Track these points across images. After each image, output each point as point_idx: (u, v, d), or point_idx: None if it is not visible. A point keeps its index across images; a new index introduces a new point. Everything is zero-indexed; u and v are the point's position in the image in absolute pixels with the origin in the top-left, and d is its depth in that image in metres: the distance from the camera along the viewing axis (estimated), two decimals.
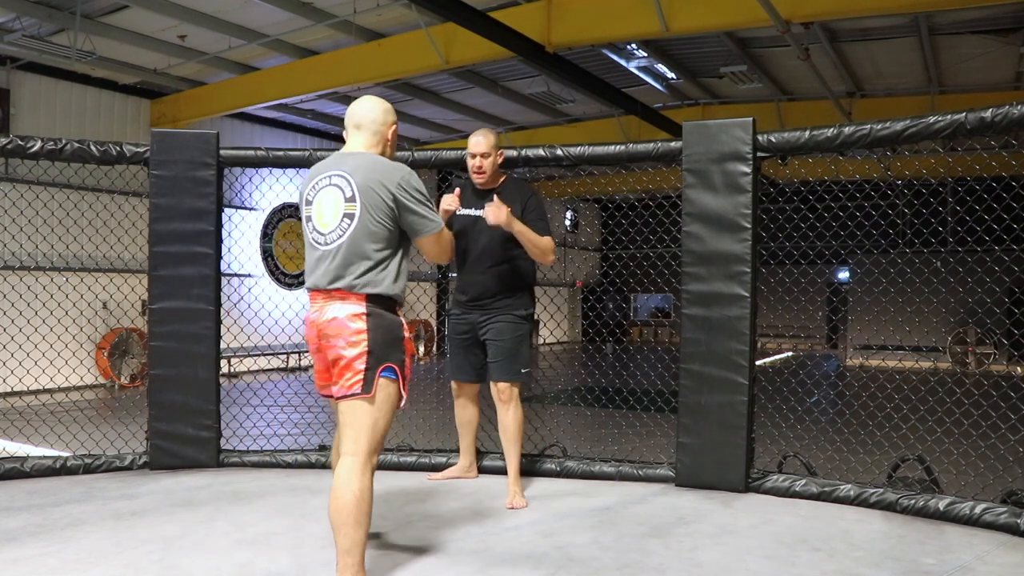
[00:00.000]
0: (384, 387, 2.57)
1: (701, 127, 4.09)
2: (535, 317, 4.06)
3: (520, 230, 3.67)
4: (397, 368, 2.60)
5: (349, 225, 2.59)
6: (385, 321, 2.60)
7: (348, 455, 2.54)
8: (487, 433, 4.53)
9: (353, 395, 2.54)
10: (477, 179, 3.88)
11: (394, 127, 2.80)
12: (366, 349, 2.54)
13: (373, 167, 2.64)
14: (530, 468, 4.31)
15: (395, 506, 3.66)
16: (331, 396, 2.68)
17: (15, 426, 5.82)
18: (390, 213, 2.62)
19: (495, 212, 3.59)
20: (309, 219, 2.68)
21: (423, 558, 2.96)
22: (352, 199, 2.59)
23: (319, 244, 2.65)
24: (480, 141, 3.83)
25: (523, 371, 3.88)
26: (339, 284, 2.59)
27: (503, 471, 4.30)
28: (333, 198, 2.62)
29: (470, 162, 3.87)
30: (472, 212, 3.85)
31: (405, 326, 2.67)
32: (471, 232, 3.88)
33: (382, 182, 2.60)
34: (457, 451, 4.50)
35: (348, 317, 2.55)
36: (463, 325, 3.98)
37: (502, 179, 3.96)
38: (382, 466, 4.41)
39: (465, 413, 4.14)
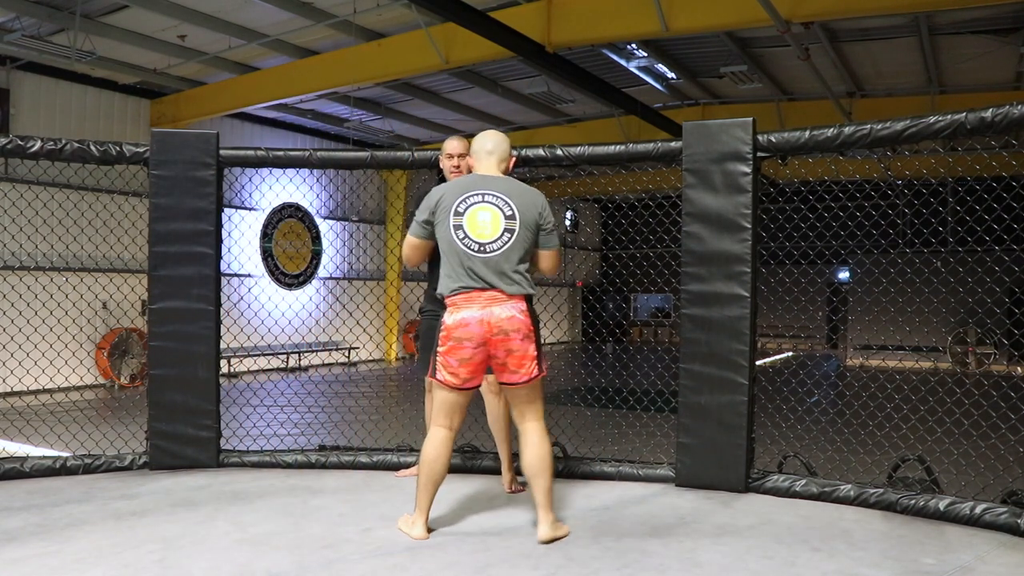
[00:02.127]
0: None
1: (701, 127, 4.08)
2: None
3: None
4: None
5: (509, 238, 3.14)
6: (534, 316, 3.22)
7: (535, 421, 3.22)
8: (484, 434, 4.52)
9: (533, 377, 3.16)
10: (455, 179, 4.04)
11: (515, 157, 3.50)
12: (533, 340, 3.15)
13: (525, 192, 3.24)
14: None
15: (395, 505, 3.66)
16: (467, 388, 3.17)
17: (15, 426, 5.82)
18: (535, 231, 3.22)
19: None
20: (459, 227, 3.15)
21: (422, 558, 2.96)
22: (512, 217, 3.16)
23: (475, 252, 3.13)
24: (457, 144, 4.00)
25: None
26: (503, 287, 3.11)
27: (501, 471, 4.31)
28: (491, 214, 3.15)
29: (447, 163, 4.01)
30: None
31: None
32: None
33: (534, 205, 3.22)
34: (456, 450, 4.50)
35: (520, 314, 3.13)
36: (434, 323, 4.09)
37: None
38: (382, 466, 4.43)
39: None
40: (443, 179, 4.10)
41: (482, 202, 3.17)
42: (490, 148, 3.32)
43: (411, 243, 3.33)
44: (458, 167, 4.01)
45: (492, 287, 3.11)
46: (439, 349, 3.17)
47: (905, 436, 4.62)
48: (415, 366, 4.28)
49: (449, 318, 3.15)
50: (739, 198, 3.91)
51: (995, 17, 8.68)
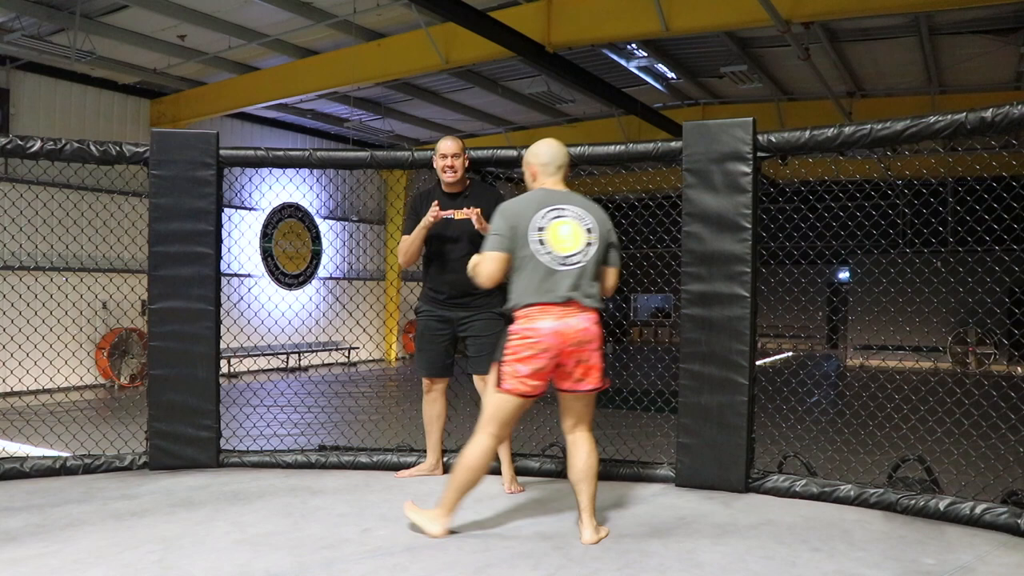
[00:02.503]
0: None
1: (701, 127, 4.08)
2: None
3: None
4: None
5: (587, 252, 3.19)
6: (602, 329, 3.28)
7: (588, 430, 3.30)
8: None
9: (598, 388, 3.24)
10: (448, 179, 4.05)
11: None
12: (601, 352, 3.23)
13: (596, 207, 3.32)
14: (531, 468, 4.31)
15: (394, 506, 3.66)
16: (533, 396, 3.18)
17: (15, 426, 5.82)
18: (607, 246, 3.29)
19: None
20: (542, 241, 3.17)
21: (422, 558, 2.96)
22: (592, 231, 3.21)
23: (556, 264, 3.15)
24: (451, 144, 4.05)
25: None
26: (581, 299, 3.16)
27: (501, 471, 4.31)
28: (571, 228, 3.20)
29: (440, 163, 4.06)
30: (444, 215, 3.97)
31: None
32: (445, 235, 4.04)
33: (606, 221, 3.31)
34: (456, 451, 4.49)
35: (594, 326, 3.19)
36: (439, 323, 4.13)
37: (467, 182, 4.17)
38: (382, 466, 4.43)
39: (435, 408, 4.25)
40: (436, 185, 4.17)
41: (562, 216, 3.21)
42: (561, 162, 3.36)
43: (496, 258, 3.19)
44: (452, 167, 4.04)
45: (571, 300, 3.14)
46: (508, 358, 3.14)
47: (905, 436, 4.61)
48: (415, 367, 4.32)
49: (523, 328, 3.14)
50: (739, 198, 3.91)
51: (995, 17, 8.67)
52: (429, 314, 4.16)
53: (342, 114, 13.27)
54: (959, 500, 3.47)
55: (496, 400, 3.19)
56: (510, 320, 3.21)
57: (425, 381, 4.24)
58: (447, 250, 4.06)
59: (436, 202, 3.93)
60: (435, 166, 4.13)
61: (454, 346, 4.19)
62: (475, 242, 3.86)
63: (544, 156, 3.35)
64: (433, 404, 4.26)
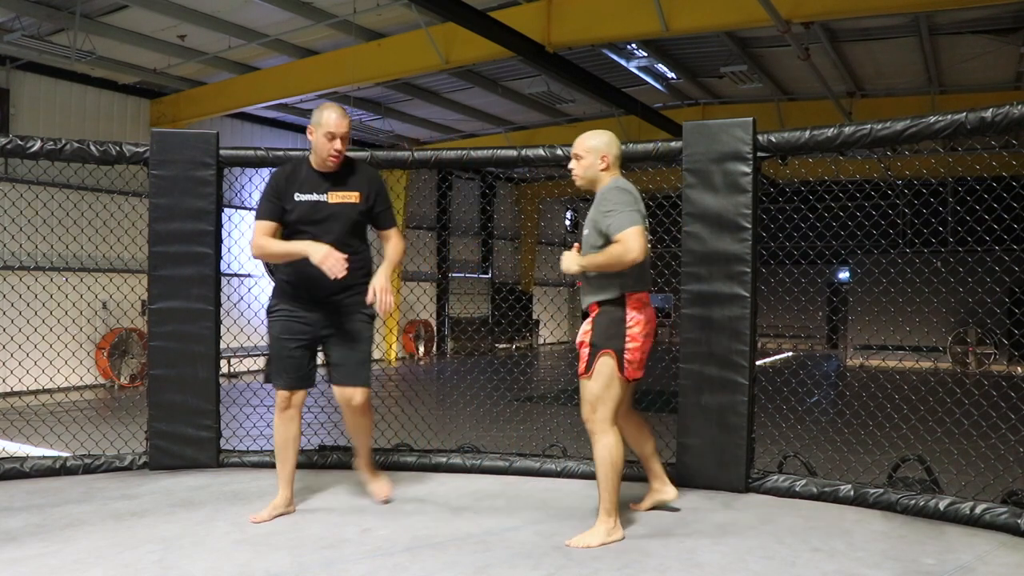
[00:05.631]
0: None
1: (701, 127, 4.09)
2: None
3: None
4: None
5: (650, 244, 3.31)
6: None
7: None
8: (484, 434, 4.52)
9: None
10: (331, 165, 3.44)
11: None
12: None
13: None
14: (531, 469, 4.31)
15: (394, 506, 3.66)
16: (640, 378, 3.32)
17: (15, 426, 5.82)
18: None
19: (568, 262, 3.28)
20: (647, 231, 3.24)
21: (422, 558, 2.96)
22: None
23: (646, 255, 3.19)
24: (343, 123, 3.42)
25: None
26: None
27: (503, 471, 4.31)
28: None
29: (327, 145, 3.40)
30: (312, 197, 3.44)
31: None
32: (315, 218, 3.43)
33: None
34: (456, 451, 4.50)
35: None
36: (302, 324, 3.49)
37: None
38: (381, 466, 4.43)
39: (291, 429, 3.54)
40: (303, 161, 3.53)
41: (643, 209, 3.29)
42: (618, 152, 3.38)
43: (643, 232, 3.10)
44: (339, 153, 3.42)
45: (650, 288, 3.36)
46: (630, 345, 3.17)
47: (905, 436, 4.61)
48: (270, 376, 3.56)
49: (638, 313, 3.21)
50: (739, 198, 3.91)
51: (995, 17, 8.67)
52: (289, 314, 3.49)
53: None
54: (959, 500, 3.47)
55: (615, 389, 3.18)
56: (619, 305, 3.19)
57: (282, 395, 3.50)
58: (316, 238, 3.37)
59: (324, 259, 3.23)
60: (313, 140, 3.43)
61: (316, 351, 3.57)
62: (354, 229, 3.49)
63: (617, 148, 3.37)
64: (290, 424, 3.53)
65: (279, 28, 9.40)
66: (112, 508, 3.61)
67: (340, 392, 3.53)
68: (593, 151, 3.31)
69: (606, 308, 3.21)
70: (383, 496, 3.74)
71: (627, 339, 3.18)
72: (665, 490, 3.56)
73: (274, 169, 3.61)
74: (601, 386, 3.17)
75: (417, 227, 16.43)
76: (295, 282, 3.48)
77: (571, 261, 3.23)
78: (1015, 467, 4.27)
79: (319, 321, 3.51)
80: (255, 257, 3.49)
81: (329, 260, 3.25)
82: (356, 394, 3.53)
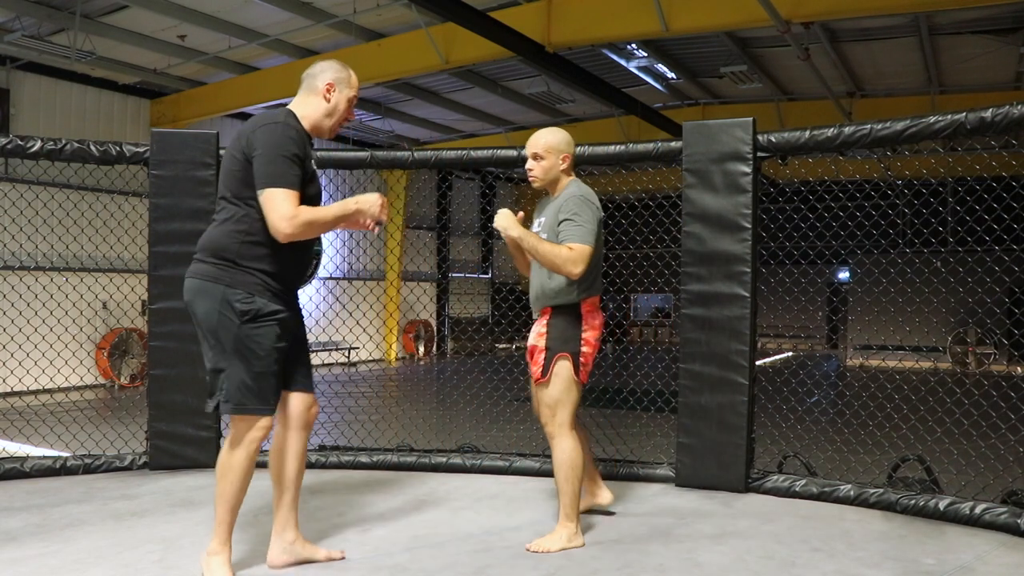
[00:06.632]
0: None
1: (701, 127, 4.09)
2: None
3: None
4: None
5: None
6: None
7: None
8: (484, 434, 4.51)
9: None
10: (333, 133, 2.94)
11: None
12: None
13: None
14: (531, 468, 4.31)
15: (394, 506, 3.66)
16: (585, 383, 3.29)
17: (15, 426, 5.82)
18: None
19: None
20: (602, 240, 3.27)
21: (422, 558, 2.96)
22: None
23: (598, 263, 3.26)
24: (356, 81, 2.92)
25: None
26: None
27: (502, 471, 4.31)
28: None
29: (347, 112, 2.90)
30: (315, 169, 2.92)
31: None
32: (319, 195, 2.90)
33: None
34: (456, 451, 4.50)
35: None
36: (291, 327, 2.82)
37: None
38: (382, 466, 4.43)
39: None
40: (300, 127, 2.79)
41: None
42: (575, 151, 3.40)
43: (591, 252, 3.07)
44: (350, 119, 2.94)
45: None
46: (585, 350, 3.15)
47: (905, 436, 4.61)
48: (258, 396, 2.63)
49: (594, 318, 3.22)
50: (739, 198, 3.91)
51: (995, 17, 8.67)
52: (281, 316, 2.74)
53: None
54: (959, 500, 3.47)
55: (574, 392, 3.14)
56: (574, 309, 3.15)
57: (266, 420, 2.71)
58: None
59: (381, 202, 2.78)
60: (330, 101, 2.83)
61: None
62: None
63: (574, 147, 3.37)
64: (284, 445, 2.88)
65: (279, 28, 9.40)
66: (112, 508, 3.61)
67: (300, 399, 2.85)
68: (554, 151, 3.22)
69: (561, 311, 3.16)
70: (327, 556, 2.95)
71: (582, 343, 3.16)
72: (600, 493, 3.51)
73: (273, 124, 2.69)
74: (560, 390, 3.12)
75: (417, 227, 16.43)
76: (281, 274, 2.75)
77: (511, 223, 3.07)
78: (1015, 467, 4.27)
79: (296, 321, 2.88)
80: (292, 237, 2.62)
81: (380, 205, 2.78)
82: (314, 403, 2.92)
